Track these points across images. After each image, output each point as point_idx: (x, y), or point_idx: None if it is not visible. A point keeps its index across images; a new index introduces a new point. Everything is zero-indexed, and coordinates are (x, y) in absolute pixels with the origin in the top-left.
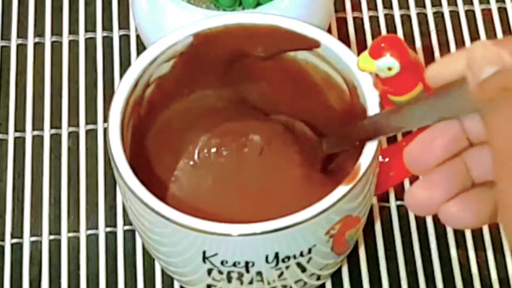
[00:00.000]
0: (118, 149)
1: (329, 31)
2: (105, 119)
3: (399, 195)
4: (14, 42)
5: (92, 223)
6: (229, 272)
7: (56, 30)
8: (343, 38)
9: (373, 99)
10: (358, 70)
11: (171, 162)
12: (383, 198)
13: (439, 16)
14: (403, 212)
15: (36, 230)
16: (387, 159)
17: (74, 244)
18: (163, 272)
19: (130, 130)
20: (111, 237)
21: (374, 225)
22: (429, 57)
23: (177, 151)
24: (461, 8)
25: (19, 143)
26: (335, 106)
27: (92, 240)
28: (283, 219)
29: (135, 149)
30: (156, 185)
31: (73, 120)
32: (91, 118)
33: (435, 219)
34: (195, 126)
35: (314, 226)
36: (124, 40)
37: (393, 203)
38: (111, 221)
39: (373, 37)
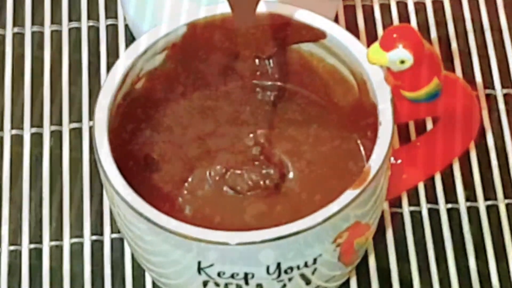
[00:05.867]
0: (105, 150)
1: (336, 20)
2: (91, 117)
3: (413, 200)
4: None
5: (77, 231)
6: (226, 285)
7: (37, 19)
8: (352, 28)
9: (384, 95)
10: (367, 63)
11: (166, 165)
12: (395, 203)
13: (456, 4)
14: (417, 219)
15: (15, 238)
16: (399, 161)
17: (56, 254)
18: (154, 284)
19: (119, 129)
20: (97, 246)
21: (385, 233)
22: (446, 49)
23: (173, 152)
24: None
25: None
26: (342, 102)
27: (77, 250)
28: (285, 226)
29: (124, 150)
30: (148, 190)
31: (56, 118)
32: (76, 115)
33: (452, 225)
34: (192, 126)
35: (319, 234)
36: (112, 30)
37: (406, 209)
38: (97, 228)
39: (384, 27)
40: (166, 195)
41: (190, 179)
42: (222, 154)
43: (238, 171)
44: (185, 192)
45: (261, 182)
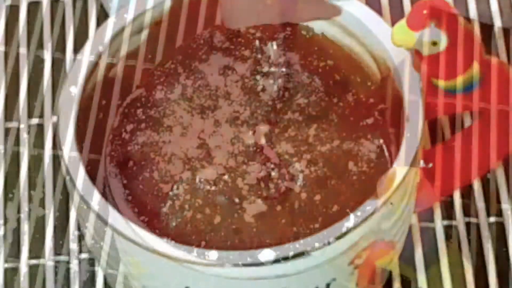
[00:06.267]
0: (72, 152)
1: None
2: (55, 111)
3: (447, 213)
4: None
5: (36, 250)
6: None
7: None
8: (373, 3)
9: (412, 84)
10: (392, 45)
11: (152, 170)
12: (426, 216)
13: None
14: (453, 235)
15: None
16: (431, 164)
17: (11, 278)
18: None
19: (91, 127)
20: (62, 269)
21: (413, 252)
22: (487, 28)
23: (160, 155)
24: None
25: None
26: (360, 93)
27: (36, 273)
28: (292, 244)
29: (97, 153)
30: (145, 191)
31: (12, 113)
32: (36, 109)
33: (495, 243)
34: (184, 122)
35: (333, 254)
36: (80, 4)
37: (439, 223)
38: (61, 247)
39: (412, 2)
40: (165, 195)
41: (185, 181)
42: (222, 153)
43: (238, 176)
44: (182, 193)
45: (264, 193)
